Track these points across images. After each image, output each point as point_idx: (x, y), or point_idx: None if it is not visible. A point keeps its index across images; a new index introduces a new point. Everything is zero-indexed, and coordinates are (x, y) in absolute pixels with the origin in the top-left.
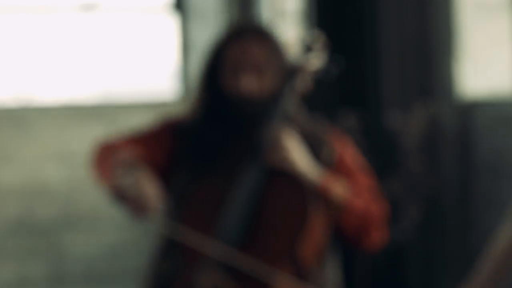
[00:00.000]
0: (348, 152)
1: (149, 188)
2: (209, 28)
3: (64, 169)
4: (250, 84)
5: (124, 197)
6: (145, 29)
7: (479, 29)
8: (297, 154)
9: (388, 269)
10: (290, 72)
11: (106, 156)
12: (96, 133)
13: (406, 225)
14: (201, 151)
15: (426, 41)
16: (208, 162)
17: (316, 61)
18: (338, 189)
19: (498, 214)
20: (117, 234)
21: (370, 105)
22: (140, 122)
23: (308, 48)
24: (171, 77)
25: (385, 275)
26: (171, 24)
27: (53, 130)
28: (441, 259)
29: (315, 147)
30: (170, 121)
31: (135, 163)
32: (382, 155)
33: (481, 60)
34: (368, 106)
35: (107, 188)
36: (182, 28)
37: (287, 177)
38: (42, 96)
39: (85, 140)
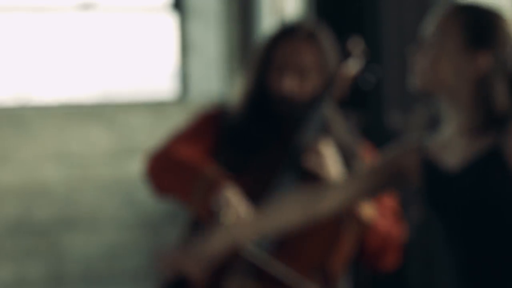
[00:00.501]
0: None
1: (243, 217)
2: (209, 27)
3: (63, 169)
4: (291, 84)
5: (214, 223)
6: (144, 28)
7: None
8: (332, 163)
9: None
10: (329, 77)
11: (170, 166)
12: (95, 133)
13: (406, 225)
14: (240, 146)
15: None
16: (245, 159)
17: (354, 67)
18: (366, 207)
19: None
20: (116, 234)
21: (371, 105)
22: (140, 122)
23: (346, 54)
24: (170, 76)
25: (385, 275)
26: (170, 24)
27: (52, 129)
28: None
29: (347, 159)
30: (213, 112)
31: (221, 182)
32: None
33: None
34: (368, 106)
35: (185, 205)
36: (181, 28)
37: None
38: (41, 96)
39: (84, 140)
